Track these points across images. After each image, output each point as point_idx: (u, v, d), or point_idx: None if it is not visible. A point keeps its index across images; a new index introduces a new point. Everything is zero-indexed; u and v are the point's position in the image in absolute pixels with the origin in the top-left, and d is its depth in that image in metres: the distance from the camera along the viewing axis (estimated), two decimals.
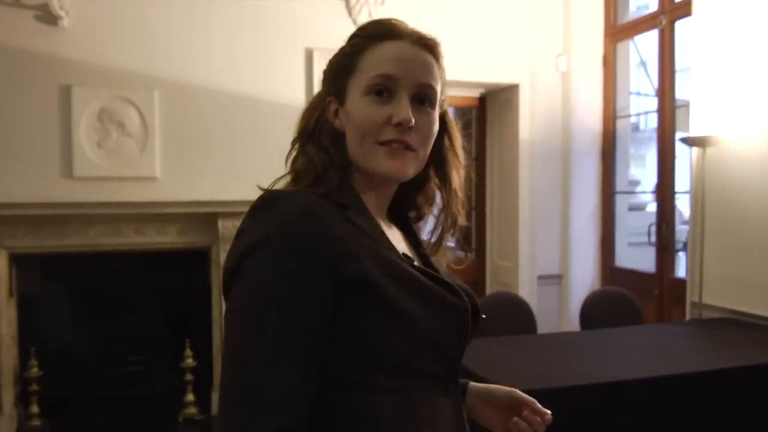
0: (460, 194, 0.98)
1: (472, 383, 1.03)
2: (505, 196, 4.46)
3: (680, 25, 3.66)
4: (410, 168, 0.87)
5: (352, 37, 0.91)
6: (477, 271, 4.68)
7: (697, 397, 2.13)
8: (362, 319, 0.77)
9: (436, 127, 0.90)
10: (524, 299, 3.24)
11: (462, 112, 4.68)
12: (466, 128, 4.84)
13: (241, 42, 3.62)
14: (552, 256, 4.42)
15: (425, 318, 0.81)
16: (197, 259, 3.60)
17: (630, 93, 4.68)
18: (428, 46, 0.89)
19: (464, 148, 1.00)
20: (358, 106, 0.86)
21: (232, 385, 0.72)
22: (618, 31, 4.22)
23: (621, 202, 4.51)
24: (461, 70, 4.04)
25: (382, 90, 0.86)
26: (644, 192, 4.72)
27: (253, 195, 3.21)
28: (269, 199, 0.79)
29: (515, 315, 3.11)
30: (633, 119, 5.17)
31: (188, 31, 3.54)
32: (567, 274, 4.42)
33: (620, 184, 4.47)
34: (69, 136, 3.37)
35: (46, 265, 3.49)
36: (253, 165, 3.62)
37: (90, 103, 3.39)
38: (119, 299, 3.65)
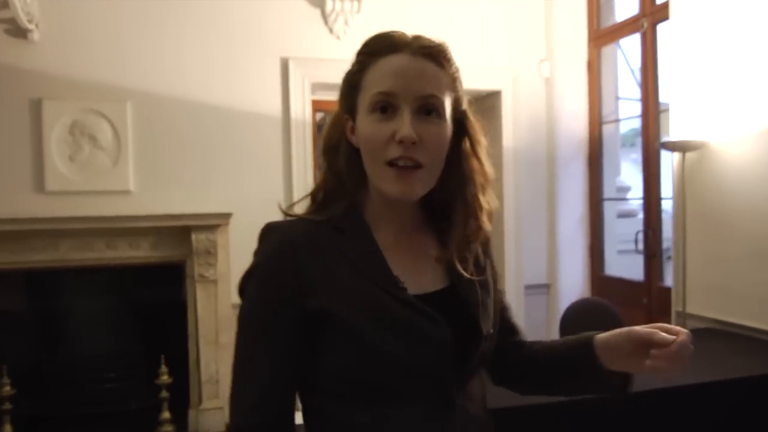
0: (484, 199, 0.96)
1: (597, 337, 0.97)
2: None
3: (663, 28, 3.59)
4: (419, 188, 0.89)
5: (357, 54, 0.93)
6: None
7: (669, 413, 2.04)
8: (333, 342, 0.86)
9: (447, 135, 0.90)
10: None
11: None
12: None
13: (216, 52, 3.58)
14: (539, 265, 4.33)
15: (396, 344, 0.85)
16: (172, 273, 3.55)
17: (619, 98, 4.62)
18: (430, 55, 0.89)
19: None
20: (365, 125, 0.89)
21: (231, 384, 0.89)
22: (601, 35, 4.15)
23: (610, 209, 4.43)
24: None
25: (385, 107, 0.87)
26: (633, 199, 4.62)
27: (227, 208, 3.18)
28: (265, 230, 0.91)
29: None
30: (635, 124, 5.10)
31: (161, 41, 3.51)
32: (555, 283, 4.33)
33: (608, 191, 4.39)
34: (40, 150, 3.34)
35: (18, 281, 3.45)
36: (227, 177, 3.58)
37: (61, 117, 3.36)
38: (93, 315, 3.60)
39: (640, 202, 3.95)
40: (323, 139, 0.97)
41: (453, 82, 0.92)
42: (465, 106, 0.96)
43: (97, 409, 3.52)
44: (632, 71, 4.43)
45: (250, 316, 0.89)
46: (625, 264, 4.35)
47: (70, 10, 3.36)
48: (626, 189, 4.82)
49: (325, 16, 3.72)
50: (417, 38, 0.90)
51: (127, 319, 3.66)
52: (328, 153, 0.96)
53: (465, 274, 0.95)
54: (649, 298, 3.83)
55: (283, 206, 0.96)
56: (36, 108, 3.32)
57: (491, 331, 0.96)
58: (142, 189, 3.50)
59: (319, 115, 4.25)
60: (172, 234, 3.45)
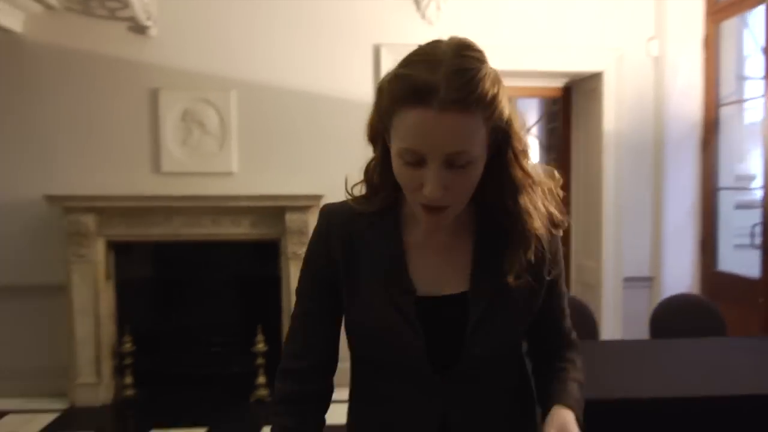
0: (531, 204, 0.95)
1: (552, 411, 1.03)
2: (589, 192, 4.20)
3: None
4: (448, 220, 0.94)
5: (386, 89, 0.88)
6: None
7: (741, 421, 1.88)
8: (347, 312, 1.03)
9: (477, 175, 0.90)
10: (583, 302, 3.03)
11: (545, 103, 4.47)
12: (550, 121, 4.61)
13: (310, 42, 3.75)
14: (642, 256, 4.09)
15: (381, 337, 0.99)
16: (269, 249, 3.79)
17: (746, 78, 4.20)
18: (459, 102, 0.82)
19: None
20: (395, 162, 0.90)
21: None
22: (721, 8, 3.78)
23: (727, 199, 4.06)
24: (541, 60, 3.88)
25: (413, 159, 0.87)
26: (755, 188, 4.18)
27: (316, 190, 3.39)
28: (320, 211, 1.06)
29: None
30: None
31: (263, 33, 3.74)
32: (659, 276, 4.07)
33: (726, 179, 4.02)
34: (157, 135, 3.71)
35: (138, 251, 3.87)
36: (320, 161, 3.76)
37: (175, 105, 3.70)
38: (200, 285, 3.95)
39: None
40: (368, 126, 0.98)
41: (490, 111, 0.86)
42: (507, 114, 0.90)
43: (203, 370, 3.89)
44: (760, 48, 4.00)
45: (298, 284, 1.07)
46: (743, 259, 3.97)
47: (183, 7, 3.67)
48: (749, 178, 4.36)
49: (417, 2, 3.74)
50: (448, 79, 0.82)
51: (230, 291, 3.98)
52: (371, 142, 0.99)
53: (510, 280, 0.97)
54: (766, 297, 3.49)
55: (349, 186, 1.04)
56: (154, 97, 3.70)
57: (476, 350, 0.97)
58: (244, 171, 3.78)
59: None
60: (269, 213, 3.69)
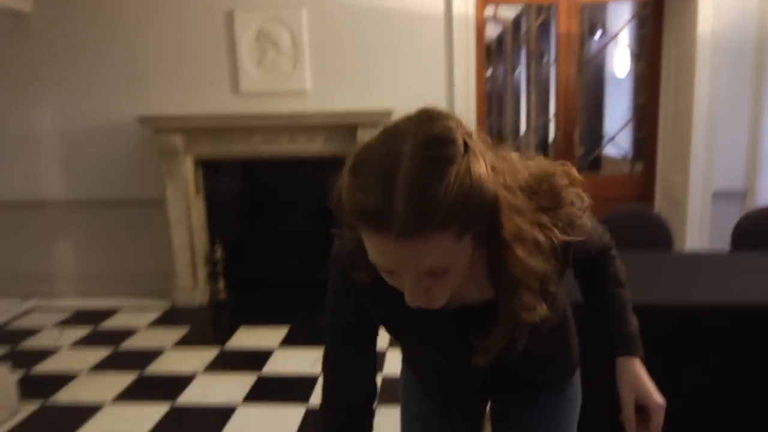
0: (531, 300, 0.85)
1: (618, 365, 1.12)
2: (680, 102, 3.91)
3: None
4: (440, 305, 0.83)
5: (344, 194, 0.77)
6: (645, 185, 4.25)
7: None
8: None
9: (460, 272, 0.80)
10: (659, 214, 2.91)
11: (636, 6, 4.13)
12: (640, 26, 4.27)
13: None
14: (735, 169, 3.82)
15: (424, 348, 1.09)
16: (343, 165, 3.91)
17: None
18: (417, 228, 0.70)
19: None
20: (373, 260, 0.79)
21: None
22: None
23: None
24: None
25: (385, 271, 0.80)
26: None
27: (388, 105, 3.44)
28: (334, 263, 1.05)
29: (644, 230, 2.82)
30: None
31: None
32: (754, 190, 3.79)
33: None
34: (234, 56, 3.86)
35: (224, 168, 4.13)
36: (390, 76, 3.77)
37: (249, 26, 3.81)
38: (282, 199, 4.18)
39: None
40: (333, 205, 0.83)
41: (462, 223, 0.72)
42: (492, 195, 0.74)
43: (286, 276, 4.18)
44: None
45: (327, 323, 1.10)
46: None
47: None
48: None
49: None
50: (405, 204, 0.68)
51: (310, 204, 4.15)
52: (339, 220, 0.86)
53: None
54: None
55: None
56: (229, 19, 3.82)
57: (515, 342, 0.97)
58: (317, 89, 3.87)
59: (488, 11, 4.13)
60: (341, 130, 3.79)
